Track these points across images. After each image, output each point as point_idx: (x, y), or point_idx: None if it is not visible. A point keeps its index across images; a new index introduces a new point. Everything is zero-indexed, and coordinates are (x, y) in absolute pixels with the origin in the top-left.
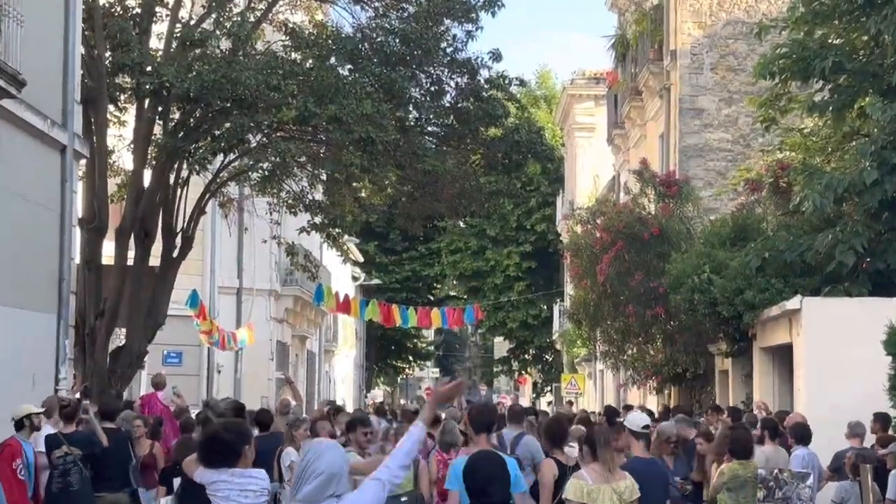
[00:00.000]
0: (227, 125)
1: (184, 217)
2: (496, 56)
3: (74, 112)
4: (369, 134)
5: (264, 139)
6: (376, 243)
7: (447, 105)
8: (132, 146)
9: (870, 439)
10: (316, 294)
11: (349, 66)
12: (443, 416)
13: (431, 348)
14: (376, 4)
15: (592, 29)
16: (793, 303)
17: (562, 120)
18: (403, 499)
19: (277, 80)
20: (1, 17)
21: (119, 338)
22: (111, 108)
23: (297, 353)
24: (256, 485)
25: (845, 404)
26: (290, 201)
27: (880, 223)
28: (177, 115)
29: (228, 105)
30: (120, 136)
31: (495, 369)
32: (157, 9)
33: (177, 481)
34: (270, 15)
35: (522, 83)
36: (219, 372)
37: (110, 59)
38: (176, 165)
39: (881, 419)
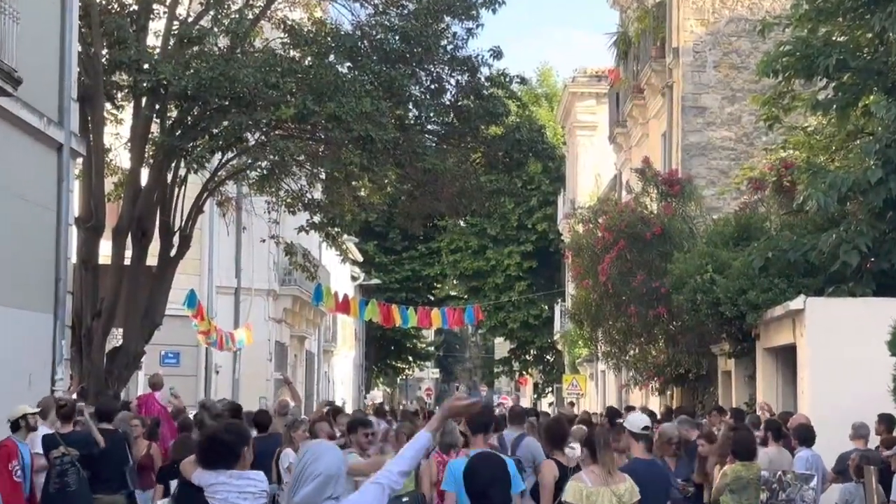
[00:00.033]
0: (225, 123)
1: (181, 216)
2: (497, 53)
3: (71, 110)
4: (369, 132)
5: (263, 137)
6: (376, 243)
7: (447, 103)
8: (129, 144)
9: (874, 441)
10: (315, 294)
11: (348, 64)
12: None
13: (431, 349)
14: (376, 1)
15: (594, 26)
16: (796, 303)
17: (563, 118)
18: (405, 499)
19: (276, 78)
20: None
21: (116, 338)
22: (108, 106)
23: (295, 353)
24: (255, 487)
25: (849, 405)
26: (288, 200)
27: (885, 222)
28: (174, 114)
29: (226, 103)
30: (117, 135)
31: (496, 370)
32: (155, 6)
33: (173, 483)
34: (269, 12)
35: (523, 81)
36: (217, 372)
37: (107, 56)
38: (173, 164)
39: (886, 420)
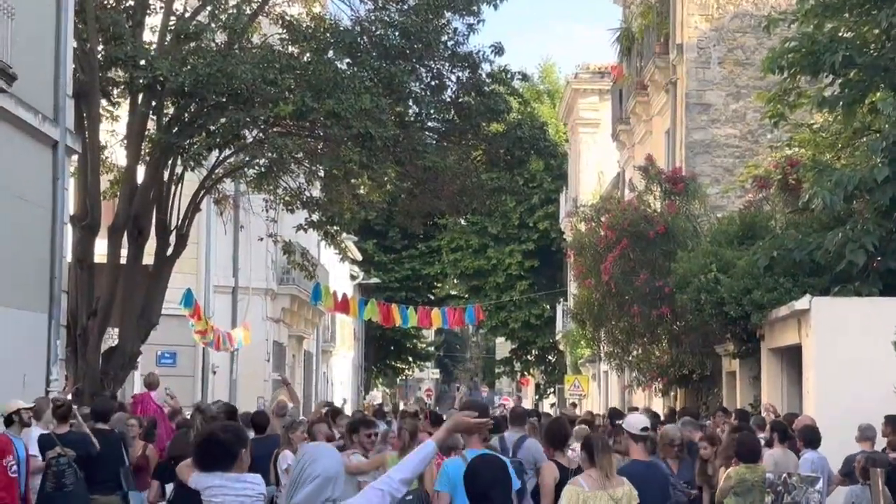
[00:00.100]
0: (223, 120)
1: (178, 214)
2: (498, 50)
3: (66, 107)
4: (368, 129)
5: (260, 135)
6: (375, 241)
7: (448, 100)
8: (125, 142)
9: (881, 443)
10: (313, 293)
11: (347, 60)
12: (444, 417)
13: (432, 349)
14: None
15: (596, 20)
16: (802, 303)
17: (565, 115)
18: (409, 497)
19: (274, 75)
20: None
21: (112, 338)
22: (104, 102)
23: (293, 353)
24: (252, 490)
25: (856, 407)
26: (286, 198)
27: (892, 221)
28: (171, 110)
29: (224, 100)
30: (113, 132)
31: (497, 370)
32: (151, 1)
33: (169, 486)
34: (267, 7)
35: (525, 77)
36: (214, 373)
37: (103, 52)
38: (170, 161)
39: (892, 422)
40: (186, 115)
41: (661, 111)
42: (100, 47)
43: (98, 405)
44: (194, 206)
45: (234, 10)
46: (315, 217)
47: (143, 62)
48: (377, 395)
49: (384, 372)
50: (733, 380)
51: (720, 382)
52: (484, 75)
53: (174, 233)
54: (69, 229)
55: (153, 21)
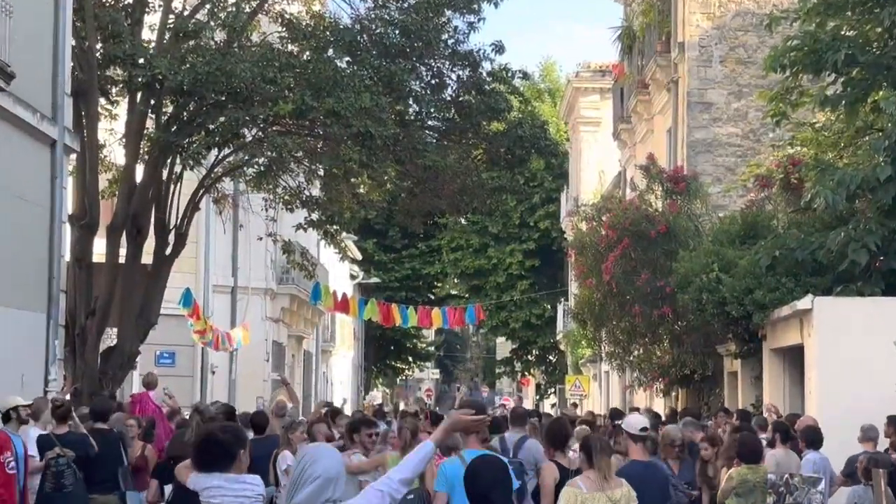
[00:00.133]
0: (222, 119)
1: (177, 213)
2: (499, 48)
3: (64, 105)
4: (368, 128)
5: (260, 133)
6: (375, 241)
7: (448, 98)
8: (124, 140)
9: (883, 443)
10: (313, 293)
11: (347, 59)
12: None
13: (432, 349)
14: None
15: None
16: (804, 302)
17: (566, 114)
18: (410, 496)
19: (273, 73)
20: None
21: (110, 338)
22: (102, 101)
23: (293, 353)
24: (251, 491)
25: (858, 407)
26: (286, 197)
27: (894, 220)
28: (170, 109)
29: (223, 98)
30: (111, 130)
31: (497, 370)
32: None
33: (168, 487)
34: (266, 5)
35: (526, 76)
36: (213, 373)
37: (101, 50)
38: (169, 160)
39: (895, 422)
40: (185, 113)
41: (662, 110)
42: (98, 45)
43: (97, 405)
44: (193, 205)
45: (234, 9)
46: (315, 216)
47: (141, 60)
48: (377, 396)
49: (384, 372)
50: (735, 380)
51: (722, 383)
52: (484, 74)
53: (173, 232)
54: (67, 228)
55: (152, 19)
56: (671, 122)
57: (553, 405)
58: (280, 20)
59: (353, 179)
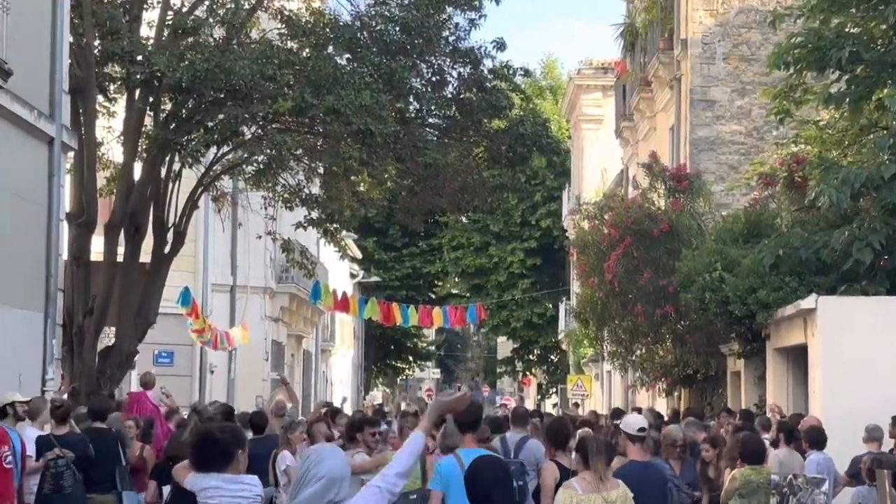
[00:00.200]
0: (221, 116)
1: (175, 212)
2: (500, 45)
3: (62, 103)
4: (368, 126)
5: (259, 131)
6: (375, 239)
7: (449, 96)
8: (122, 138)
9: (888, 443)
10: (312, 292)
11: (347, 56)
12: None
13: (432, 348)
14: None
15: (597, 17)
16: (808, 302)
17: (568, 111)
18: (413, 496)
19: (273, 70)
20: None
21: (108, 337)
22: (100, 98)
23: (292, 353)
24: (249, 491)
25: (862, 407)
26: (285, 195)
27: None
28: (168, 106)
29: (222, 96)
30: (109, 128)
31: (499, 370)
32: None
33: (167, 488)
34: (265, 2)
35: (527, 73)
36: (212, 372)
37: (99, 47)
38: (167, 158)
39: None
40: (184, 111)
41: (665, 107)
42: (96, 42)
43: (95, 404)
44: (192, 204)
45: (233, 5)
46: (314, 215)
47: (140, 57)
48: (377, 395)
49: (384, 371)
50: (738, 380)
51: (725, 382)
52: (485, 71)
53: (171, 230)
54: (65, 226)
55: (150, 16)
56: (674, 119)
57: (555, 405)
58: (279, 17)
59: (353, 177)
